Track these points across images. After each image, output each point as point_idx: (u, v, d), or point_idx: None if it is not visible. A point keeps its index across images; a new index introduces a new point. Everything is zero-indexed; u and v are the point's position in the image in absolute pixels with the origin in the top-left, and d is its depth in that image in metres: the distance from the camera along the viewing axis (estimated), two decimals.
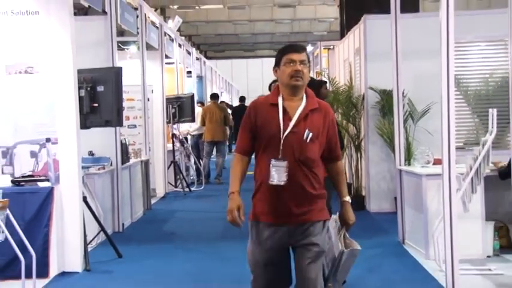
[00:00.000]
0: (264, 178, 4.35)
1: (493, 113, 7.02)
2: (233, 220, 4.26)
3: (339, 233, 4.52)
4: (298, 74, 4.31)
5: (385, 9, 9.07)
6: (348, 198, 4.53)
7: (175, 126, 15.62)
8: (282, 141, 4.27)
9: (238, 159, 4.47)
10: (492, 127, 7.00)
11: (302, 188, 4.30)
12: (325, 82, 10.00)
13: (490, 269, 7.22)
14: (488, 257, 7.65)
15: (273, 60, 4.61)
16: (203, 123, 16.79)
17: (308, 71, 4.41)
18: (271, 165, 4.25)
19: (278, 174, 4.23)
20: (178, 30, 19.39)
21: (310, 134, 4.29)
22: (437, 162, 7.65)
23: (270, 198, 4.32)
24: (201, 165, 16.83)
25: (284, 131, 4.29)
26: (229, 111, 21.19)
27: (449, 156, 6.28)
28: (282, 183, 4.24)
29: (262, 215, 4.37)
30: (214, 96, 18.22)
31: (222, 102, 21.99)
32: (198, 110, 17.39)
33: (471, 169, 7.13)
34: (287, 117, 4.33)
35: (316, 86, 7.51)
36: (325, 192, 4.44)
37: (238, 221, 4.22)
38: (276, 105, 4.37)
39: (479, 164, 7.11)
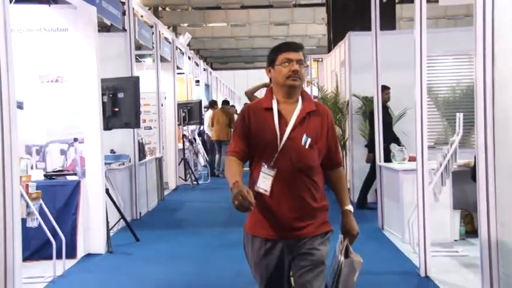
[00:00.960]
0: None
1: (459, 116, 7.06)
2: (243, 200, 3.18)
3: (341, 245, 3.60)
4: (296, 74, 3.50)
5: (366, 27, 9.09)
6: (350, 207, 3.64)
7: (185, 128, 15.64)
8: (279, 149, 3.45)
9: (232, 159, 3.53)
10: (459, 129, 7.03)
11: (302, 199, 3.47)
12: (388, 87, 9.66)
13: (457, 251, 7.25)
14: (455, 240, 7.68)
15: None
16: (212, 125, 17.00)
17: (305, 71, 3.61)
18: (261, 170, 3.45)
19: (264, 182, 3.44)
20: (188, 45, 19.37)
21: (309, 140, 3.47)
22: (412, 159, 7.67)
23: (267, 211, 3.49)
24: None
25: (281, 137, 3.45)
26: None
27: (422, 154, 6.30)
28: (266, 191, 3.43)
29: (259, 229, 3.54)
30: (224, 103, 18.31)
31: (232, 106, 21.95)
32: (209, 113, 17.57)
33: (441, 165, 7.16)
34: (283, 122, 3.49)
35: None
36: (326, 204, 3.59)
37: (249, 199, 3.16)
38: (270, 109, 3.52)
39: (448, 161, 7.14)
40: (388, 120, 9.45)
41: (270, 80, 3.67)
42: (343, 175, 3.77)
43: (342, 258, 3.52)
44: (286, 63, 3.50)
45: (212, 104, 18.25)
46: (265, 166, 3.45)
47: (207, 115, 17.79)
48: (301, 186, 3.47)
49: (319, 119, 3.56)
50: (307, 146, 3.47)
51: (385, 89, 9.21)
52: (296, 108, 3.53)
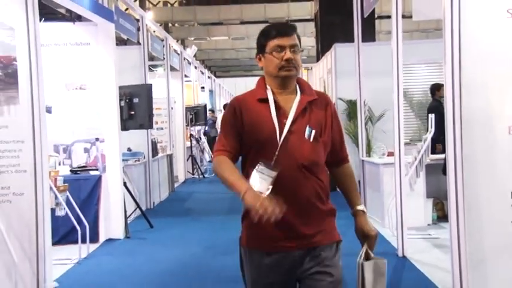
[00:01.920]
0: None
1: (431, 117, 7.08)
2: (273, 206, 2.37)
3: (359, 254, 2.73)
4: (290, 63, 2.63)
5: (350, 39, 9.10)
6: (363, 207, 2.79)
7: (192, 128, 15.65)
8: (279, 145, 2.58)
9: (224, 160, 2.64)
10: (431, 128, 7.05)
11: (308, 201, 2.61)
12: (442, 85, 9.06)
13: (430, 234, 7.27)
14: (428, 225, 7.69)
15: None
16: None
17: (300, 56, 2.71)
18: (256, 169, 2.54)
19: (260, 183, 2.51)
20: (194, 56, 19.34)
21: (313, 132, 2.63)
22: (390, 154, 7.68)
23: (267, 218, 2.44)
24: None
25: (281, 131, 2.59)
26: None
27: (399, 150, 6.31)
28: (262, 194, 2.46)
29: (259, 241, 2.63)
30: (225, 107, 18.23)
31: None
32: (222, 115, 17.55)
33: (416, 159, 7.18)
34: (282, 113, 2.63)
35: (432, 88, 7.24)
36: (334, 208, 2.73)
37: (276, 204, 2.38)
38: (266, 100, 2.66)
39: (422, 155, 7.16)
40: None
41: (261, 68, 2.80)
42: (352, 172, 2.88)
43: (361, 260, 2.70)
44: (278, 51, 2.64)
45: (225, 107, 18.20)
46: (263, 165, 2.55)
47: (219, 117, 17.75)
48: (307, 187, 2.60)
49: (322, 108, 2.74)
50: (311, 139, 2.63)
51: (440, 86, 8.77)
52: (295, 98, 2.68)
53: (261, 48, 2.71)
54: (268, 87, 2.71)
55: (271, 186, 2.52)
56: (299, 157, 2.60)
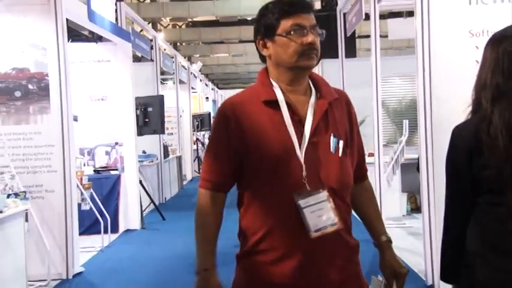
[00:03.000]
0: (275, 224, 1.67)
1: (405, 122, 7.12)
2: None
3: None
4: (313, 49, 1.70)
5: (335, 55, 9.14)
6: (389, 237, 1.89)
7: (198, 133, 15.64)
8: (302, 160, 1.65)
9: (207, 201, 1.82)
10: (405, 132, 7.09)
11: (340, 238, 1.71)
12: None
13: (404, 223, 7.28)
14: (403, 216, 7.68)
15: None
16: None
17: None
18: (299, 207, 1.62)
19: (320, 216, 1.62)
20: (200, 70, 19.39)
21: (341, 142, 1.72)
22: (371, 155, 7.65)
23: (287, 259, 1.65)
24: None
25: (300, 142, 1.66)
26: None
27: (378, 151, 6.33)
28: (334, 227, 1.64)
29: None
30: None
31: None
32: None
33: (392, 159, 7.21)
34: (296, 120, 1.69)
35: None
36: (359, 241, 1.82)
37: None
38: (275, 102, 1.69)
39: (398, 156, 7.20)
40: None
41: (262, 57, 1.81)
42: (373, 191, 1.97)
43: None
44: (297, 32, 1.67)
45: None
46: (301, 197, 1.62)
47: None
48: (338, 218, 1.68)
49: (344, 110, 1.81)
50: (339, 153, 1.70)
51: None
52: (310, 99, 1.72)
53: (267, 30, 1.72)
54: (274, 83, 1.73)
55: (334, 210, 1.63)
56: (326, 179, 1.67)
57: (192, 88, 15.94)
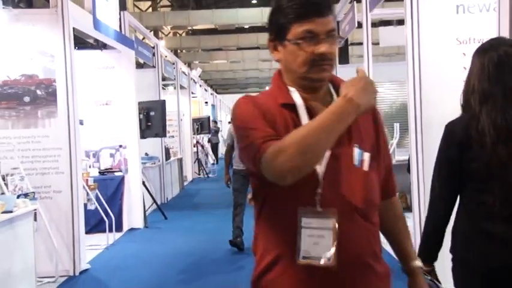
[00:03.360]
0: (287, 249, 1.36)
1: (396, 125, 7.14)
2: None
3: None
4: (325, 59, 1.39)
5: None
6: (420, 263, 1.59)
7: (198, 136, 15.65)
8: (320, 175, 1.35)
9: (278, 143, 1.28)
10: (396, 134, 7.11)
11: (366, 265, 1.39)
12: None
13: None
14: None
15: None
16: None
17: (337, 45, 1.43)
18: (299, 224, 1.33)
19: (316, 244, 1.31)
20: (199, 76, 19.42)
21: (366, 155, 1.41)
22: None
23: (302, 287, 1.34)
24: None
25: None
26: None
27: None
28: (326, 262, 1.30)
29: None
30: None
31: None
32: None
33: None
34: None
35: None
36: (389, 266, 1.49)
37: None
38: (292, 106, 1.40)
39: None
40: None
41: (277, 60, 1.50)
42: (402, 210, 1.65)
43: None
44: (307, 40, 1.38)
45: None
46: (306, 215, 1.34)
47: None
48: (361, 241, 1.39)
49: (369, 118, 1.50)
50: (365, 167, 1.42)
51: None
52: (331, 104, 1.35)
53: (279, 32, 1.43)
54: (290, 88, 1.45)
55: (334, 246, 1.31)
56: (350, 197, 1.38)
57: (192, 93, 15.95)
